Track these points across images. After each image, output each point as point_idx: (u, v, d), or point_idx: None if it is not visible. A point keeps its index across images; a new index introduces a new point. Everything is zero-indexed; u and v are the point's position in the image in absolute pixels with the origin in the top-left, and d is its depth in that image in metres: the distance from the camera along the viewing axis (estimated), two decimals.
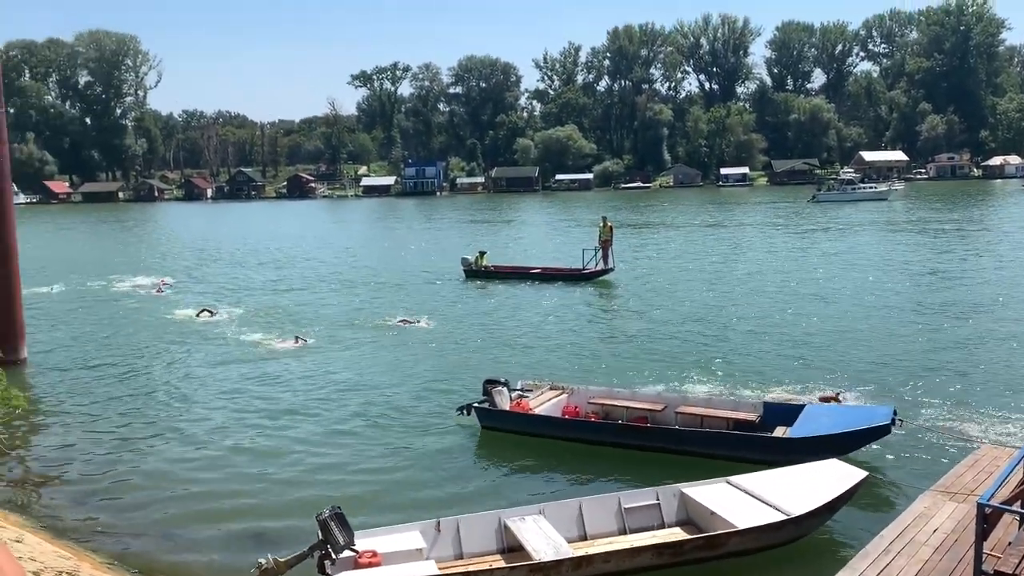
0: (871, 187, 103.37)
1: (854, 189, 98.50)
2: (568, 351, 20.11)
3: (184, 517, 11.07)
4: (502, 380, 14.56)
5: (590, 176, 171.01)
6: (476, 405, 14.09)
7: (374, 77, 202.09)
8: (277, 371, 18.88)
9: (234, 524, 10.77)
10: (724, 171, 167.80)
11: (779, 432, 12.54)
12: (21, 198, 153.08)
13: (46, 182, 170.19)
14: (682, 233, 56.42)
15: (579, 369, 18.04)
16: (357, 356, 20.24)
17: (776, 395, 15.15)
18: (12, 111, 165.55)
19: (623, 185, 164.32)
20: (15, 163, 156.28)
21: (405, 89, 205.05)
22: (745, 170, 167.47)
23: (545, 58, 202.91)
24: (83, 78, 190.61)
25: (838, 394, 14.80)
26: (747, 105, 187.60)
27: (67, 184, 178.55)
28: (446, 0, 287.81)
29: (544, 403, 14.18)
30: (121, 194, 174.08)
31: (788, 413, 13.02)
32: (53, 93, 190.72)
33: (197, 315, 26.24)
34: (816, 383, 16.06)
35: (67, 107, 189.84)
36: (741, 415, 13.19)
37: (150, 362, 20.31)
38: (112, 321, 26.21)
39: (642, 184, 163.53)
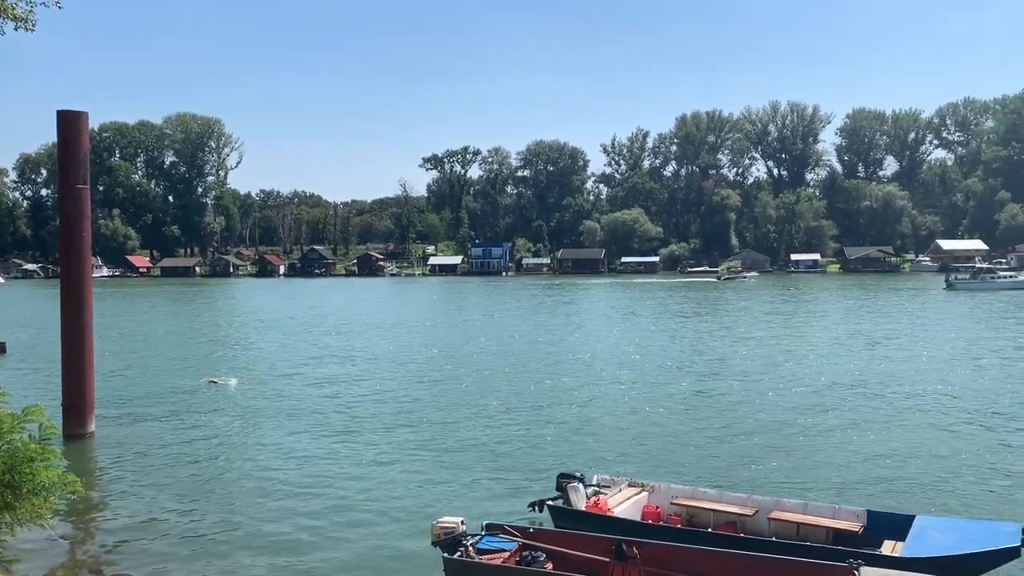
0: (1011, 275, 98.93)
1: (993, 278, 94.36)
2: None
3: None
4: (577, 475, 13.57)
5: (656, 259, 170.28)
6: (550, 503, 13.12)
7: (444, 160, 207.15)
8: (326, 450, 18.30)
9: None
10: (795, 257, 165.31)
11: (888, 548, 11.25)
12: (104, 271, 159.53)
13: (128, 256, 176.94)
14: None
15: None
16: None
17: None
18: (101, 188, 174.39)
19: (690, 269, 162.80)
20: (101, 238, 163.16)
21: (474, 172, 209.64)
22: (816, 256, 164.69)
23: (613, 143, 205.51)
24: (168, 158, 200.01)
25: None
26: (817, 191, 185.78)
27: (147, 259, 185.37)
28: (515, 90, 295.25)
29: (623, 502, 13.13)
30: (198, 269, 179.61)
31: (896, 524, 11.73)
32: (140, 172, 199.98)
33: (208, 383, 27.69)
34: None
35: (152, 185, 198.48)
36: (842, 524, 11.96)
37: (204, 444, 19.93)
38: (175, 403, 26.12)
39: (709, 268, 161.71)
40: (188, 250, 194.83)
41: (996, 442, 18.91)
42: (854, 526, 11.88)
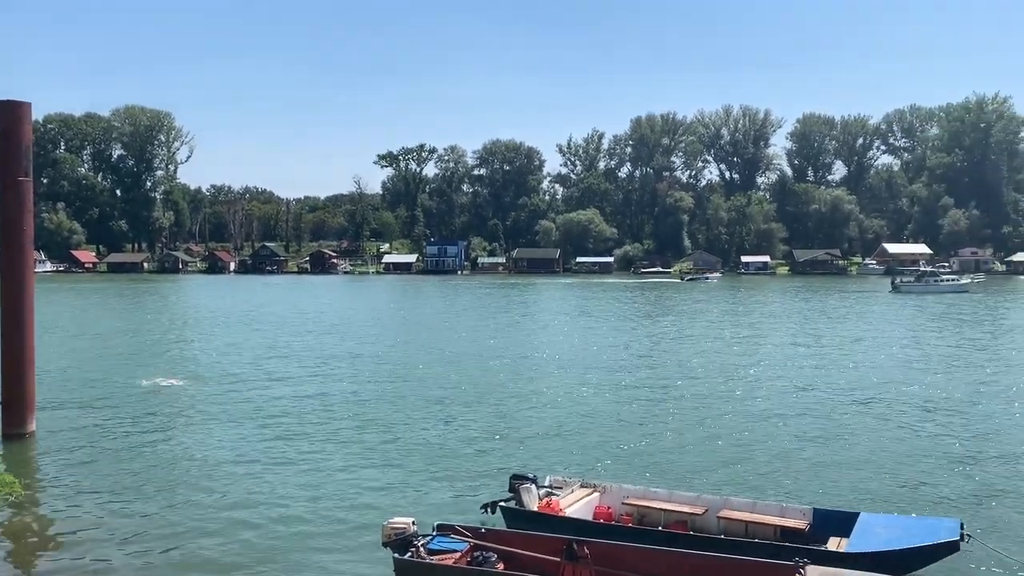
0: (953, 279, 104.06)
1: (937, 281, 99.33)
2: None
3: None
4: (530, 476, 13.55)
5: (611, 260, 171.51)
6: (502, 504, 13.08)
7: (400, 158, 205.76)
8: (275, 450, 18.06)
9: None
10: (745, 259, 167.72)
11: (833, 544, 11.48)
12: (48, 266, 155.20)
13: (73, 251, 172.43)
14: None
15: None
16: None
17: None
18: (45, 181, 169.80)
19: (643, 270, 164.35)
20: (44, 232, 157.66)
21: (430, 170, 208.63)
22: (766, 259, 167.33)
23: (569, 144, 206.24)
24: (116, 151, 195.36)
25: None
26: (767, 195, 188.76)
27: (94, 254, 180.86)
28: (473, 90, 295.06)
29: (575, 502, 13.17)
30: (146, 265, 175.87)
31: (841, 521, 11.99)
32: (86, 165, 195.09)
33: (155, 383, 27.21)
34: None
35: (99, 179, 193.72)
36: (789, 522, 12.16)
37: (149, 446, 19.50)
38: (120, 404, 25.53)
39: (661, 269, 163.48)
40: (136, 245, 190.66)
41: (939, 440, 19.41)
42: (801, 524, 12.09)
